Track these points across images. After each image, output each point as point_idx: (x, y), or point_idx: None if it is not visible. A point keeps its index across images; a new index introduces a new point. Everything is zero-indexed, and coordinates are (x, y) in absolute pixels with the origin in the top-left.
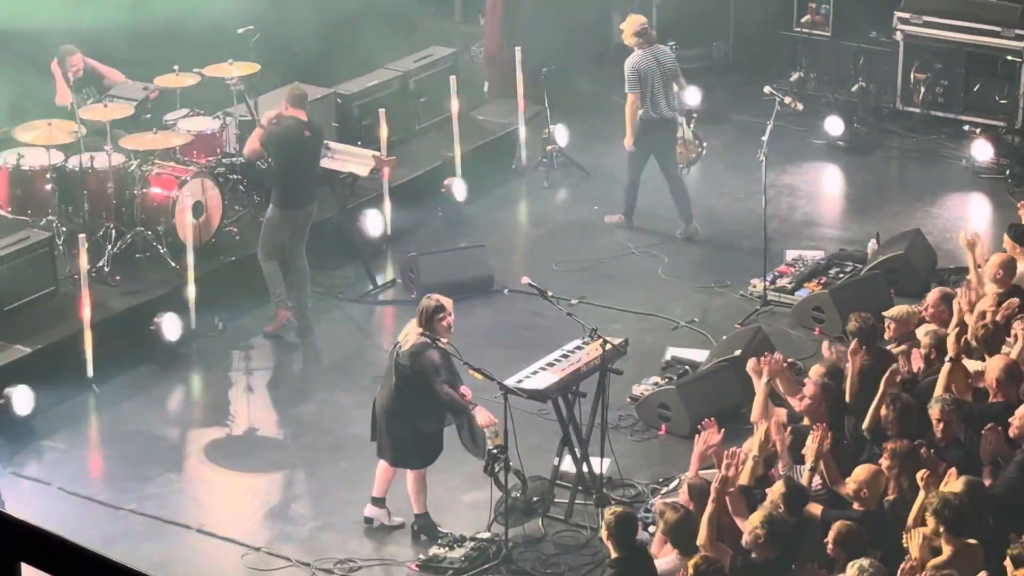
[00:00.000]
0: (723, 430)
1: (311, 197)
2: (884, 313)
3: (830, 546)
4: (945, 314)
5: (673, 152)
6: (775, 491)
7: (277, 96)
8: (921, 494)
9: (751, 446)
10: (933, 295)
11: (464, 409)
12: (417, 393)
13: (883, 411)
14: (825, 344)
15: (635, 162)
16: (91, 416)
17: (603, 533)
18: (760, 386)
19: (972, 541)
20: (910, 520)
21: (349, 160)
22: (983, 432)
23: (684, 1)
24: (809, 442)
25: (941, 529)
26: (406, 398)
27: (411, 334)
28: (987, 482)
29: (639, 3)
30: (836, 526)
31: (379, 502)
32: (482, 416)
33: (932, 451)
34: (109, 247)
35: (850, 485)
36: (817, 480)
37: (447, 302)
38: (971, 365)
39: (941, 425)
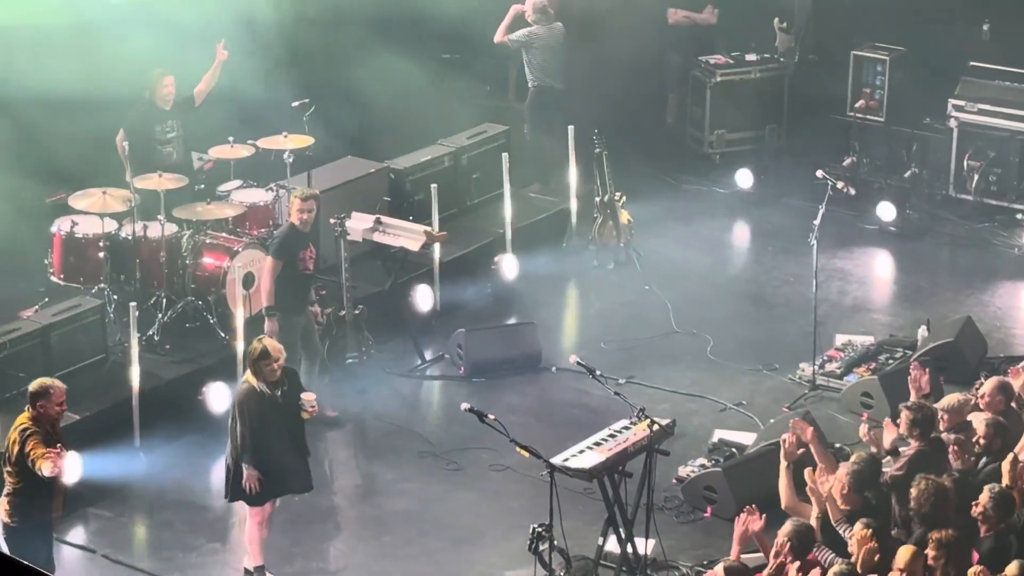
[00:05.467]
0: (764, 516)
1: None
2: (936, 405)
3: None
4: (1001, 404)
5: (556, 122)
6: None
7: (331, 169)
8: None
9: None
10: (991, 384)
11: (238, 457)
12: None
13: (912, 491)
14: (863, 427)
15: (535, 134)
16: (137, 484)
17: None
18: (782, 471)
19: None
20: None
21: (400, 235)
22: None
23: (737, 83)
24: (852, 539)
25: None
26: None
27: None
28: None
29: (693, 85)
30: None
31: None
32: (249, 476)
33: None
34: (160, 316)
35: (895, 571)
36: None
37: (274, 349)
38: None
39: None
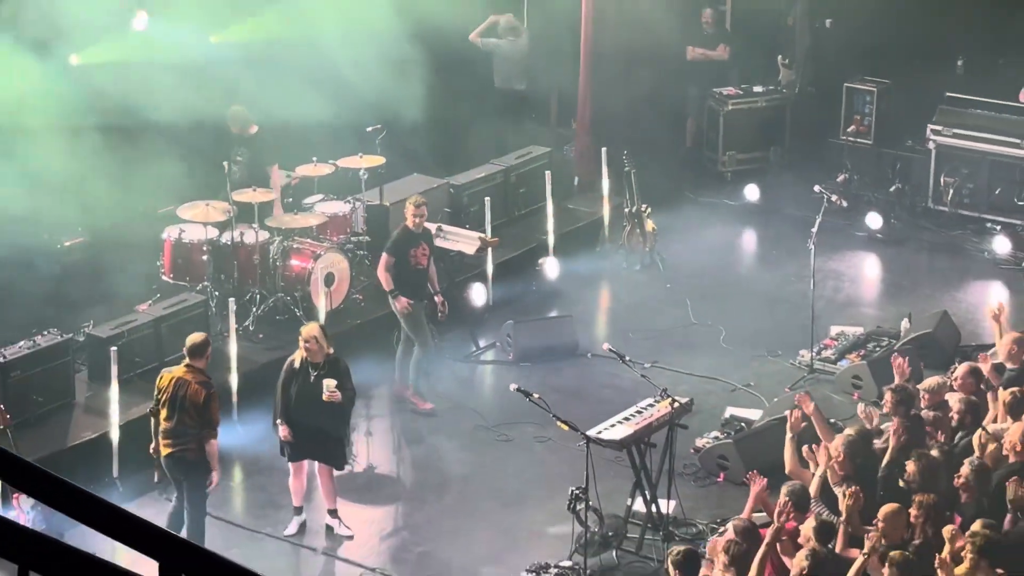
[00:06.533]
0: (766, 479)
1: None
2: (919, 385)
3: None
4: (971, 386)
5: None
6: (807, 527)
7: (399, 186)
8: (947, 547)
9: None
10: (963, 369)
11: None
12: None
13: (910, 465)
14: (860, 406)
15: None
16: (235, 452)
17: (670, 568)
18: (787, 441)
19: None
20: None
21: (459, 240)
22: (1008, 483)
23: (747, 111)
24: (841, 498)
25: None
26: None
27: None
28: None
29: (708, 112)
30: (892, 555)
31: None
32: (283, 432)
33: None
34: (254, 309)
35: (877, 523)
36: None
37: (306, 332)
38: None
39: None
